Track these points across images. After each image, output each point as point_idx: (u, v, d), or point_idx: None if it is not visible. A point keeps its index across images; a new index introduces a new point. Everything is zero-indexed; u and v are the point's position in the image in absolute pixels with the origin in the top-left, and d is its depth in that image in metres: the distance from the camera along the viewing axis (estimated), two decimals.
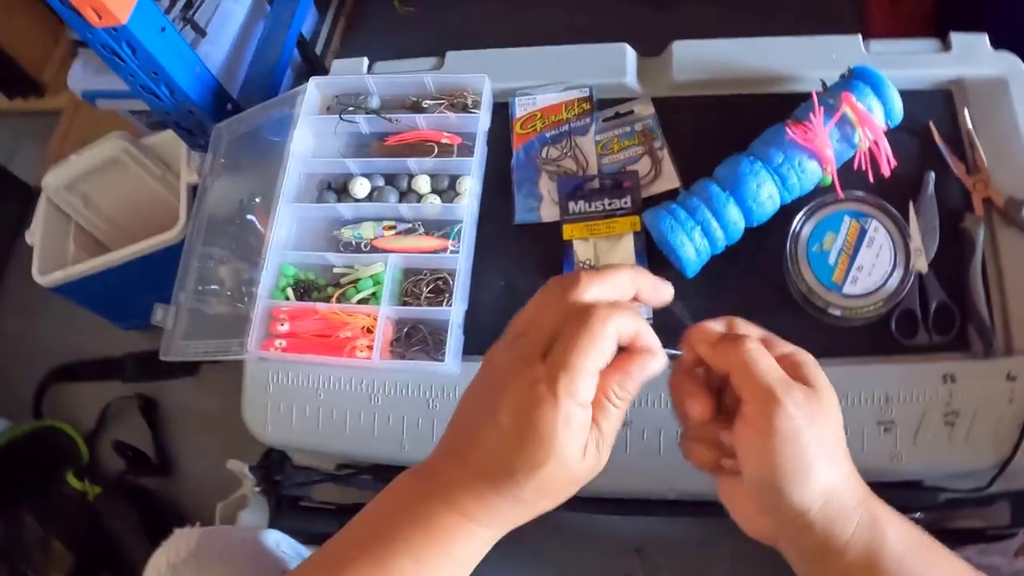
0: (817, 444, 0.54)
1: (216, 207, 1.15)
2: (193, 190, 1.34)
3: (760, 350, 0.56)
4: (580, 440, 0.51)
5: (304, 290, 1.00)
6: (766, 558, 1.21)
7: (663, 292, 0.57)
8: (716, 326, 0.59)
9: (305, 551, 0.85)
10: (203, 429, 1.53)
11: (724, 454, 0.59)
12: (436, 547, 0.53)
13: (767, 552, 1.22)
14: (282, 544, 0.82)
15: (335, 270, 1.00)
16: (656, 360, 0.53)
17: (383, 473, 1.03)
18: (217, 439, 1.50)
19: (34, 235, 1.44)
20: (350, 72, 1.12)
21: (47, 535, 1.43)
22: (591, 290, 0.53)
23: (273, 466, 1.12)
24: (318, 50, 1.70)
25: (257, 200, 1.10)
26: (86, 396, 1.61)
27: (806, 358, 0.58)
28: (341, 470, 1.07)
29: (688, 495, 0.91)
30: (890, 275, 0.89)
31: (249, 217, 1.10)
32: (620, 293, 0.55)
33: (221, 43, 1.43)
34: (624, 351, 0.53)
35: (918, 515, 1.00)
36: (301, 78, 1.61)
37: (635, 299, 0.56)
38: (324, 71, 1.60)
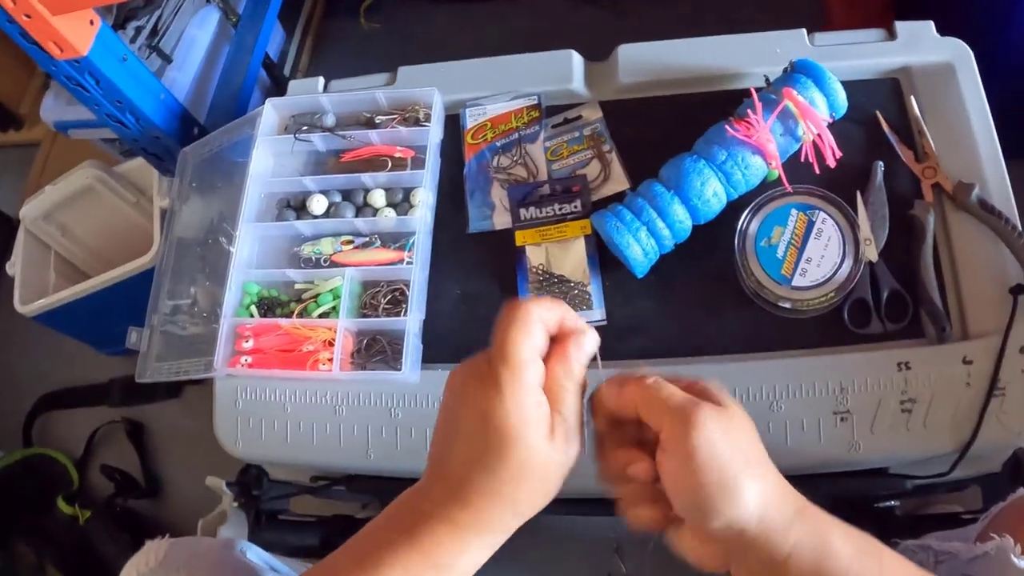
0: (738, 456, 0.54)
1: (185, 230, 1.17)
2: (166, 214, 1.36)
3: (661, 381, 0.58)
4: (539, 422, 0.53)
5: (268, 307, 1.02)
6: None
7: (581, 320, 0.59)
8: (614, 383, 0.60)
9: (272, 559, 0.87)
10: (188, 449, 1.55)
11: (666, 507, 0.59)
12: (424, 559, 0.55)
13: None
14: (248, 553, 0.85)
15: (296, 286, 1.02)
16: (588, 336, 0.57)
17: (355, 483, 1.05)
18: (202, 458, 1.51)
19: (14, 266, 1.46)
20: (306, 92, 1.14)
21: (41, 561, 1.45)
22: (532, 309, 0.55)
23: (251, 481, 1.13)
24: (287, 69, 1.72)
25: (226, 224, 1.12)
26: (74, 422, 1.63)
27: (709, 383, 0.59)
28: (316, 482, 1.09)
29: None
30: (840, 265, 0.90)
31: (221, 239, 1.12)
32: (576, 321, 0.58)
33: (187, 69, 1.45)
34: (558, 340, 0.56)
35: (894, 504, 1.01)
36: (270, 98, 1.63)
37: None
38: None
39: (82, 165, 1.42)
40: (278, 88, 1.62)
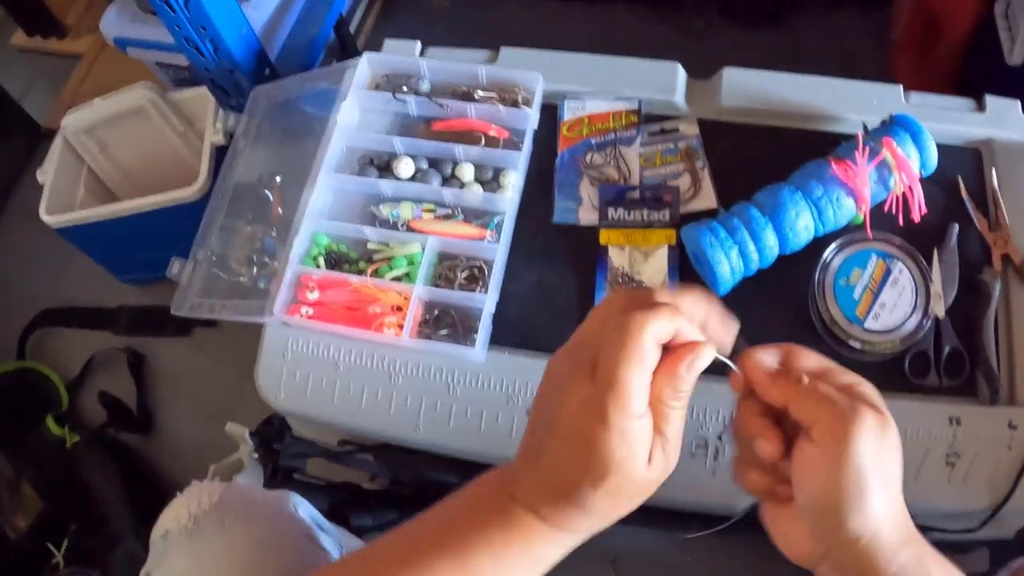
0: (882, 471, 0.54)
1: (244, 171, 1.15)
2: (217, 150, 1.34)
3: (820, 384, 0.56)
4: (641, 451, 0.51)
5: (335, 261, 1.00)
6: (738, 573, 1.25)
7: (730, 327, 0.56)
8: (770, 358, 0.58)
9: (320, 518, 0.85)
10: (189, 391, 1.51)
11: (778, 481, 0.59)
12: (516, 547, 0.54)
13: (740, 570, 1.25)
14: (301, 509, 0.82)
15: (369, 245, 1.01)
16: (701, 356, 0.53)
17: (385, 453, 1.04)
18: (202, 402, 1.50)
19: (46, 174, 1.42)
20: (403, 53, 1.13)
21: (18, 477, 1.41)
22: (660, 319, 0.52)
23: (273, 434, 1.12)
24: (351, 29, 1.70)
25: (278, 179, 1.11)
26: (73, 343, 1.58)
27: (869, 388, 0.57)
28: (343, 446, 1.08)
29: (664, 502, 0.93)
30: (910, 316, 0.92)
31: (266, 192, 1.10)
32: (690, 318, 0.54)
33: (264, 8, 1.41)
34: (670, 351, 0.53)
35: None
36: (331, 56, 1.61)
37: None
38: (356, 51, 1.61)
39: (138, 84, 1.38)
40: (342, 46, 1.60)
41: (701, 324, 0.54)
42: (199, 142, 1.41)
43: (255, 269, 1.07)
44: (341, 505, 1.18)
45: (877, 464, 0.53)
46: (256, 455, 1.11)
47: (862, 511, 0.53)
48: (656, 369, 0.52)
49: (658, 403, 0.52)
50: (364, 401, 0.96)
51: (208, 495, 0.77)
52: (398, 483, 1.17)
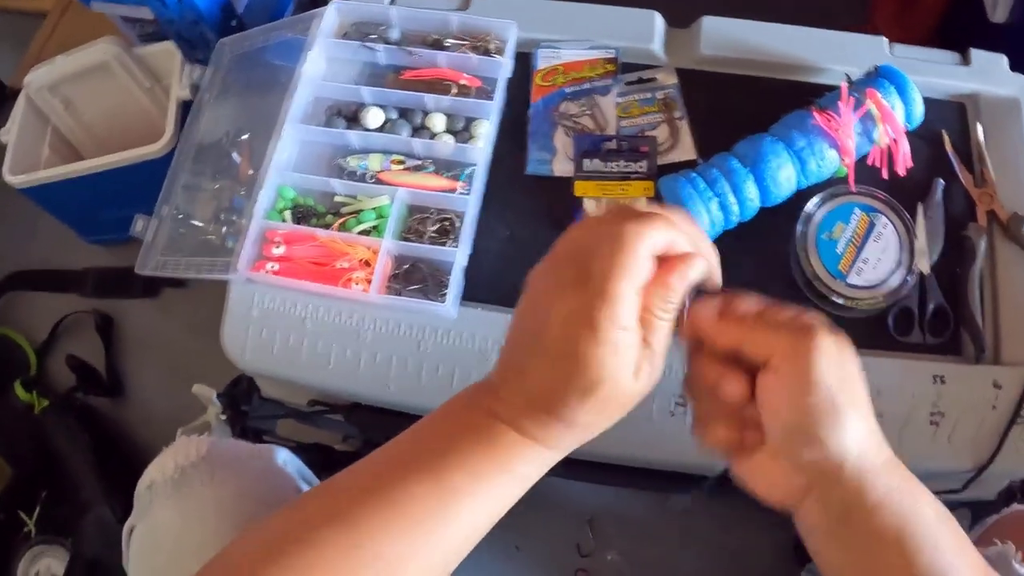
0: (849, 389, 0.53)
1: (210, 124, 1.12)
2: (183, 106, 1.30)
3: (768, 315, 0.55)
4: (630, 362, 0.50)
5: (302, 215, 0.97)
6: (713, 538, 1.25)
7: (714, 250, 0.56)
8: (711, 308, 0.57)
9: (309, 474, 0.83)
10: (159, 353, 1.48)
11: (744, 428, 0.57)
12: (496, 464, 0.53)
13: (715, 531, 1.25)
14: (289, 464, 0.80)
15: (336, 198, 0.98)
16: (695, 266, 0.53)
17: (355, 414, 1.01)
18: (172, 364, 1.47)
19: (9, 133, 1.38)
20: (372, 0, 1.09)
21: None
22: (656, 232, 0.51)
23: (240, 395, 1.09)
24: None
25: (244, 137, 1.07)
26: (40, 306, 1.54)
27: (815, 315, 0.56)
28: (313, 406, 1.05)
29: (645, 462, 0.92)
30: (894, 272, 0.91)
31: (232, 154, 1.07)
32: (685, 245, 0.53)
33: None
34: (663, 261, 0.52)
35: None
36: (300, 8, 1.56)
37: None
38: (324, 2, 1.56)
39: (102, 40, 1.34)
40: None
41: (691, 240, 0.53)
42: (166, 98, 1.36)
43: (224, 228, 1.04)
44: (313, 467, 1.16)
45: (842, 381, 0.53)
46: (224, 417, 1.09)
47: (839, 429, 0.53)
48: (651, 282, 0.51)
49: (648, 314, 0.51)
50: (333, 360, 0.93)
51: (196, 448, 0.75)
52: (370, 444, 1.15)
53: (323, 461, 1.17)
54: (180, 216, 1.06)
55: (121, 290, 1.52)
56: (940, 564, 0.52)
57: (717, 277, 0.56)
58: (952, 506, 0.92)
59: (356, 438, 1.22)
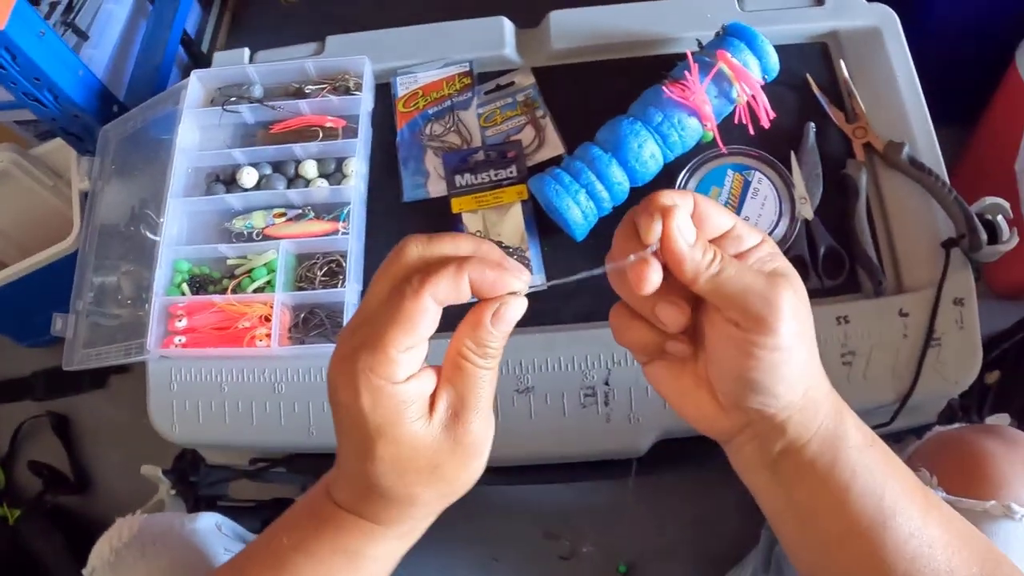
0: (808, 336, 0.50)
1: (109, 211, 1.13)
2: (85, 197, 1.31)
3: (743, 268, 0.49)
4: (406, 415, 0.46)
5: (200, 284, 0.99)
6: (680, 509, 1.26)
7: (504, 281, 0.47)
8: (686, 219, 0.48)
9: (246, 532, 0.86)
10: (117, 441, 1.50)
11: (668, 337, 0.52)
12: (328, 543, 0.52)
13: (680, 503, 1.26)
14: (224, 526, 0.83)
15: (229, 261, 0.99)
16: (510, 306, 0.47)
17: (296, 463, 1.03)
18: (131, 449, 1.48)
19: None
20: (232, 63, 1.10)
21: None
22: (412, 253, 0.47)
23: (187, 467, 1.11)
24: (204, 47, 1.67)
25: (148, 210, 1.09)
26: None
27: (775, 254, 0.51)
28: (255, 464, 1.06)
29: (566, 455, 0.93)
30: (776, 224, 0.92)
31: (142, 227, 1.08)
32: (457, 250, 0.48)
33: (104, 45, 1.39)
34: (481, 300, 0.48)
35: None
36: (195, 70, 1.58)
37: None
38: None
39: None
40: (197, 65, 1.57)
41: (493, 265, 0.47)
42: (70, 192, 1.38)
43: (146, 305, 1.05)
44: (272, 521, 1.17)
45: (802, 334, 0.49)
46: (174, 491, 1.11)
47: (794, 384, 0.49)
48: (462, 321, 0.48)
49: (458, 358, 0.48)
50: (255, 417, 0.95)
51: (128, 527, 0.80)
52: None
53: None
54: (102, 303, 1.07)
55: (70, 387, 1.54)
56: (872, 486, 0.50)
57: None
58: (899, 436, 0.94)
59: (311, 485, 1.23)
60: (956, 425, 0.87)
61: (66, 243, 1.30)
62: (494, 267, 0.46)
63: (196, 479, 1.10)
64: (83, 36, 1.38)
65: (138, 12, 1.48)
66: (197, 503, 1.11)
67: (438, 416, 0.48)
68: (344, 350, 0.46)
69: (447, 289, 0.45)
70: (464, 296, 0.46)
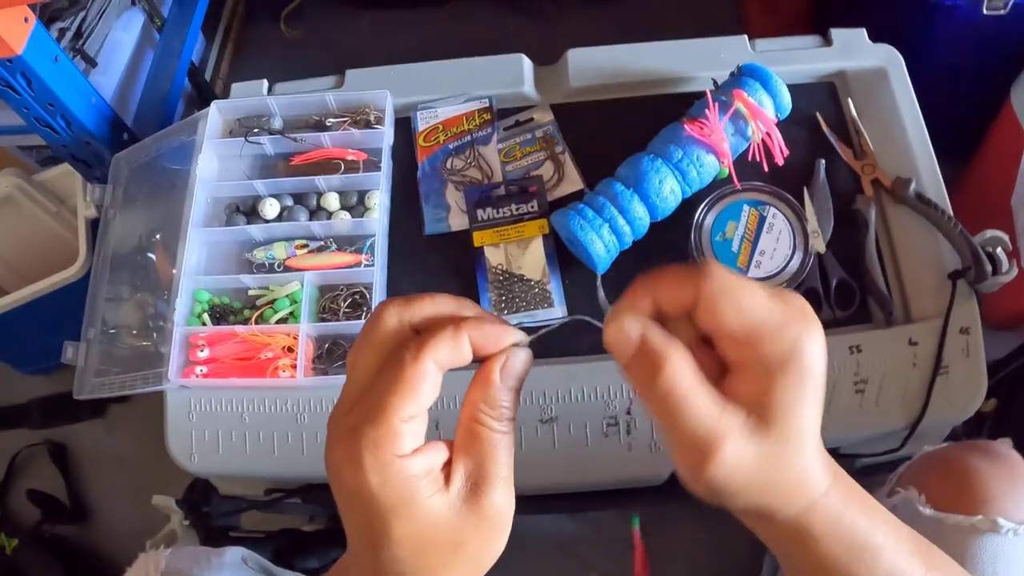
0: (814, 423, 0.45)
1: (119, 240, 1.13)
2: (91, 224, 1.31)
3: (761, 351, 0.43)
4: (419, 489, 0.43)
5: (220, 315, 0.99)
6: (687, 536, 1.27)
7: (505, 334, 0.46)
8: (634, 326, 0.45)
9: (271, 566, 0.85)
10: (116, 470, 1.49)
11: None
12: None
13: (689, 529, 1.27)
14: (250, 560, 0.82)
15: (250, 292, 1.00)
16: (515, 358, 0.46)
17: (312, 494, 1.03)
18: (130, 479, 1.47)
19: None
20: (250, 95, 1.11)
21: None
22: (392, 319, 0.45)
23: (199, 498, 1.11)
24: (207, 76, 1.68)
25: (157, 237, 1.09)
26: None
27: (805, 325, 0.43)
28: (270, 495, 1.06)
29: (591, 485, 0.94)
30: (791, 257, 0.94)
31: (149, 255, 1.09)
32: (438, 311, 0.46)
33: (112, 73, 1.40)
34: (485, 360, 0.45)
35: None
36: (192, 106, 1.59)
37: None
38: (215, 97, 1.59)
39: (1, 173, 1.35)
40: (200, 95, 1.58)
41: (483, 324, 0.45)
42: (74, 219, 1.38)
43: (155, 334, 1.05)
44: (284, 552, 1.17)
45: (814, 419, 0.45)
46: (187, 522, 1.10)
47: (803, 492, 0.46)
48: (470, 384, 0.46)
49: (472, 423, 0.45)
50: (276, 448, 0.95)
51: (154, 564, 0.78)
52: (336, 519, 1.16)
53: (293, 545, 1.19)
54: (111, 331, 1.07)
55: (68, 415, 1.52)
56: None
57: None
58: (903, 462, 0.96)
59: (321, 516, 1.24)
60: (943, 444, 0.90)
61: (71, 271, 1.30)
62: (492, 321, 0.45)
63: (208, 509, 1.10)
64: (92, 63, 1.38)
65: (146, 40, 1.49)
66: (210, 534, 1.11)
67: (455, 488, 0.44)
68: (341, 432, 0.43)
69: (448, 351, 0.43)
70: (466, 357, 0.44)
